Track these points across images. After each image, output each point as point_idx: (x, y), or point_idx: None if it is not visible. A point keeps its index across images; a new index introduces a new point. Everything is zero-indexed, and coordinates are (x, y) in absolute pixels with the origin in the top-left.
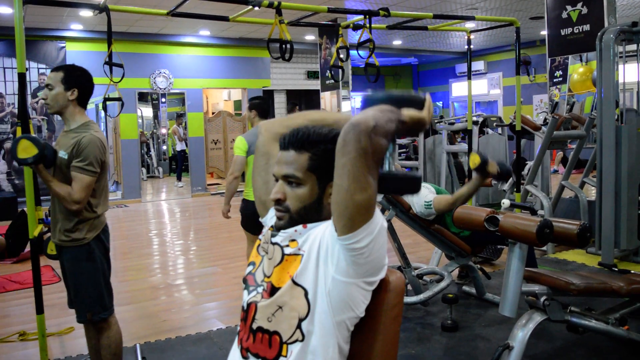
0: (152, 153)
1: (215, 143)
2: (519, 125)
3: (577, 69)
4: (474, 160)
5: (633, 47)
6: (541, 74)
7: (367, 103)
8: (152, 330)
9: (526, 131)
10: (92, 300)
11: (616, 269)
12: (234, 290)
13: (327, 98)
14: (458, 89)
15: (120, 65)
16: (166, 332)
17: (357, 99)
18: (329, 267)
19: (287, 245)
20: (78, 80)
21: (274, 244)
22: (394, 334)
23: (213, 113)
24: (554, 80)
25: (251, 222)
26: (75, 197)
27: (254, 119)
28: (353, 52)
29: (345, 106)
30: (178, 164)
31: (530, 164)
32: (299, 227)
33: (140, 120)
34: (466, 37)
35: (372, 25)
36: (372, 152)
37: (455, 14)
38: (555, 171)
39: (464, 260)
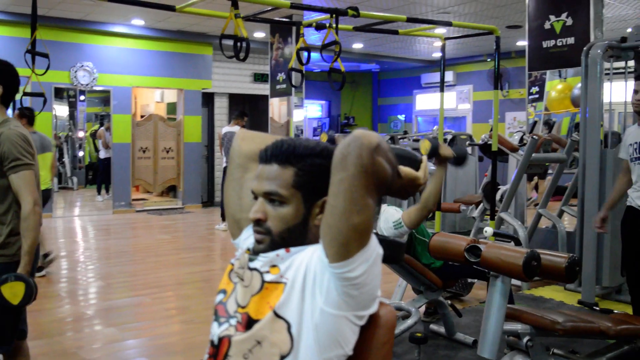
0: (66, 160)
1: (144, 151)
2: (496, 145)
3: (555, 86)
4: (425, 145)
5: (621, 64)
6: (515, 89)
7: None
8: None
9: (500, 152)
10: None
11: (597, 308)
12: (164, 324)
13: (275, 105)
14: (423, 101)
15: (46, 55)
16: None
17: (309, 107)
18: (316, 298)
19: (268, 272)
20: (3, 76)
21: (251, 269)
22: None
23: (142, 116)
24: (530, 97)
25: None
26: (28, 203)
27: (25, 126)
28: (313, 55)
29: (297, 115)
30: (100, 175)
31: (503, 188)
32: (281, 252)
33: (54, 121)
34: (434, 44)
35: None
36: (372, 172)
37: (429, 18)
38: (530, 199)
39: (433, 294)
